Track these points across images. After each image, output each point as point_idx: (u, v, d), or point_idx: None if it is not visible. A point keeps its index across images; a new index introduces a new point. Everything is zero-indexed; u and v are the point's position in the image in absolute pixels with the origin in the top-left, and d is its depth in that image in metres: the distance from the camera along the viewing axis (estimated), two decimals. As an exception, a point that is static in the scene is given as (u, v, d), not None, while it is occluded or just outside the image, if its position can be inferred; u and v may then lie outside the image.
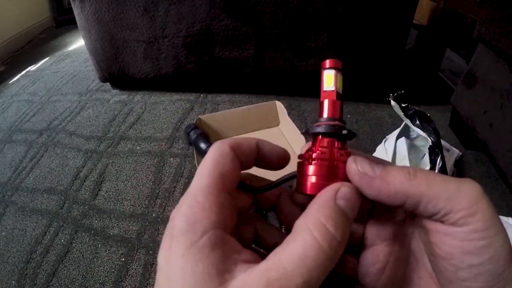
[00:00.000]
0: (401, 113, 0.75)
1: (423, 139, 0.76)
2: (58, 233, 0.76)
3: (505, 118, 0.70)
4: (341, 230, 0.15)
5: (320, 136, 0.19)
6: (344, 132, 0.19)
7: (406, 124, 0.77)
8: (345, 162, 0.18)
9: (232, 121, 0.84)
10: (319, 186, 0.18)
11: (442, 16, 1.49)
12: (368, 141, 0.94)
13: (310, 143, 0.20)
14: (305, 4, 0.92)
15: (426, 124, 0.73)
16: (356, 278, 0.22)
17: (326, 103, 0.20)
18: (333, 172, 0.18)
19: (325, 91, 0.20)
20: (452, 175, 0.78)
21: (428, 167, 0.69)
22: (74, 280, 0.66)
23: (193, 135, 0.31)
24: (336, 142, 0.19)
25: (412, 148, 0.76)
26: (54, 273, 0.67)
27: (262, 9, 0.95)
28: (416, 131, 0.73)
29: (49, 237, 0.75)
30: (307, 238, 0.14)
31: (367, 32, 0.95)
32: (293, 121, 0.76)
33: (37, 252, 0.72)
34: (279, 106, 0.83)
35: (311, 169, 0.18)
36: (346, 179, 0.18)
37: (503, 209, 0.72)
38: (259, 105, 0.84)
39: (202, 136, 0.31)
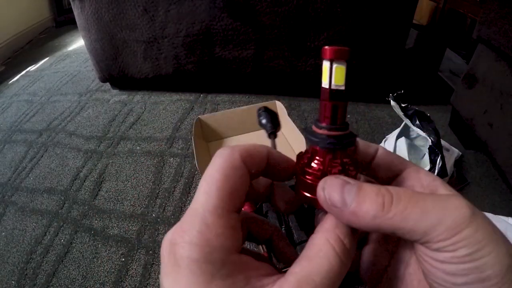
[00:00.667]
0: (401, 113, 0.75)
1: (423, 139, 0.76)
2: (58, 233, 0.76)
3: (505, 118, 0.70)
4: (353, 244, 0.16)
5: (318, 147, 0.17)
6: (341, 140, 0.17)
7: (406, 124, 0.77)
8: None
9: (232, 121, 0.84)
10: (311, 199, 0.17)
11: (442, 16, 1.49)
12: (367, 141, 0.94)
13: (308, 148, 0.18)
14: (305, 4, 0.92)
15: (426, 124, 0.73)
16: (354, 272, 0.22)
17: (321, 105, 0.17)
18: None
19: (322, 87, 0.16)
20: (452, 174, 0.78)
21: (428, 167, 0.69)
22: (74, 280, 0.66)
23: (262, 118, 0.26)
24: (332, 156, 0.17)
25: (412, 148, 0.76)
26: (54, 273, 0.67)
27: (262, 9, 0.95)
28: (416, 131, 0.73)
29: (49, 237, 0.75)
30: (330, 253, 0.15)
31: (367, 32, 0.95)
32: (293, 121, 0.76)
33: (37, 252, 0.72)
34: (279, 106, 0.83)
35: (303, 182, 0.17)
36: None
37: (503, 209, 0.72)
38: (259, 104, 0.84)
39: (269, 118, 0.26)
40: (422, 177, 0.18)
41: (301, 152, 0.18)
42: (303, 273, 0.14)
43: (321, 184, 0.16)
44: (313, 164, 0.17)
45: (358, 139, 0.19)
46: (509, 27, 0.67)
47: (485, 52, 0.78)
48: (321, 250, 0.15)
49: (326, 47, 0.16)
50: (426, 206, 0.14)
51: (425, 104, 1.08)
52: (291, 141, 0.79)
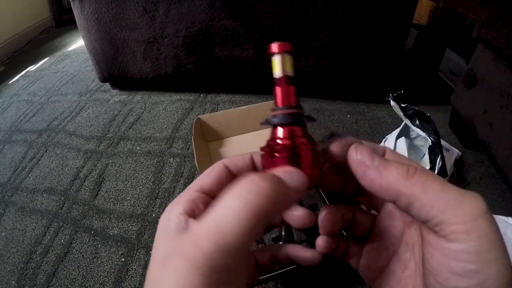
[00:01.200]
0: (400, 113, 0.75)
1: (423, 139, 0.76)
2: (58, 233, 0.76)
3: (504, 117, 0.70)
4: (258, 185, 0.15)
5: (278, 126, 0.18)
6: (303, 116, 0.18)
7: (406, 124, 0.77)
8: (308, 149, 0.18)
9: (232, 121, 0.84)
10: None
11: (441, 16, 1.49)
12: (368, 141, 0.94)
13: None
14: (304, 4, 0.92)
15: (426, 124, 0.73)
16: (355, 269, 0.22)
17: (278, 91, 0.19)
18: (295, 162, 0.17)
19: (274, 78, 0.19)
20: (452, 174, 0.78)
21: (428, 167, 0.69)
22: (74, 280, 0.66)
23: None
24: (295, 130, 0.18)
25: (412, 148, 0.76)
26: (54, 273, 0.67)
27: (262, 9, 0.95)
28: (416, 131, 0.73)
29: (49, 237, 0.75)
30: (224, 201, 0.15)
31: (366, 32, 0.95)
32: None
33: (37, 252, 0.72)
34: None
35: (273, 162, 0.17)
36: (310, 166, 0.17)
37: (503, 209, 0.72)
38: (259, 105, 0.84)
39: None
40: None
41: (263, 146, 0.19)
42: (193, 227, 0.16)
43: (353, 146, 0.17)
44: (278, 141, 0.18)
45: (366, 141, 0.20)
46: (509, 27, 0.67)
47: (485, 52, 0.78)
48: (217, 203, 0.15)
49: (274, 43, 0.18)
50: (446, 185, 0.14)
51: (425, 104, 1.08)
52: None
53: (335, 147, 0.19)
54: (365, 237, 0.22)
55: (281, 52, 0.19)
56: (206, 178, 0.19)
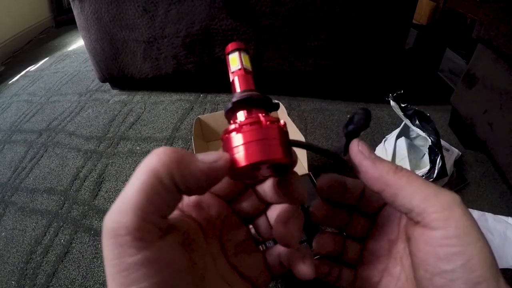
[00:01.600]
0: (400, 113, 0.75)
1: (423, 139, 0.76)
2: (58, 233, 0.76)
3: (504, 117, 0.70)
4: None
5: (243, 108, 0.18)
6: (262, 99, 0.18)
7: (405, 124, 0.77)
8: (278, 126, 0.17)
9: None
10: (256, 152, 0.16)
11: (441, 16, 1.49)
12: (367, 141, 0.94)
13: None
14: (304, 4, 0.92)
15: (425, 124, 0.73)
16: None
17: (236, 79, 0.19)
18: (266, 134, 0.16)
19: (233, 72, 0.20)
20: (452, 174, 0.78)
21: (428, 167, 0.69)
22: (74, 280, 0.66)
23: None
24: (252, 111, 0.18)
25: (411, 148, 0.76)
26: (54, 273, 0.67)
27: (262, 9, 0.95)
28: (416, 131, 0.73)
29: (49, 238, 0.75)
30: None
31: (366, 32, 0.95)
32: (293, 121, 0.76)
33: (37, 252, 0.72)
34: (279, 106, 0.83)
35: (242, 137, 0.16)
36: (280, 141, 0.16)
37: (502, 209, 0.72)
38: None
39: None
40: None
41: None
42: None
43: (355, 140, 0.19)
44: (247, 118, 0.17)
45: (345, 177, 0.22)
46: (509, 26, 0.67)
47: (485, 52, 0.78)
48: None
49: (231, 42, 0.20)
50: (427, 182, 0.17)
51: (425, 104, 1.08)
52: None
53: (323, 181, 0.23)
54: (358, 260, 0.24)
55: (239, 48, 0.20)
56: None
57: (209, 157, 0.16)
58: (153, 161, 0.15)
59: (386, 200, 0.18)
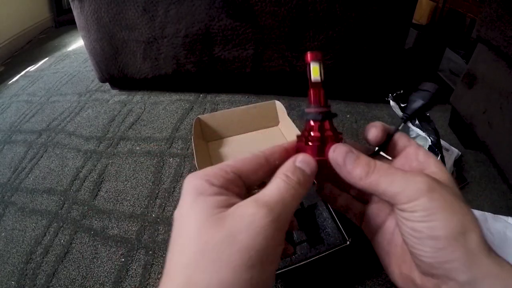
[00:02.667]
0: (400, 113, 0.75)
1: (423, 139, 0.76)
2: (57, 233, 0.76)
3: (504, 117, 0.70)
4: (297, 177, 0.22)
5: (311, 121, 0.23)
6: (328, 113, 0.23)
7: (405, 124, 0.77)
8: (333, 140, 0.23)
9: (232, 121, 0.84)
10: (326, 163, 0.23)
11: (441, 16, 1.49)
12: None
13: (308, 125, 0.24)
14: (304, 4, 0.92)
15: (425, 124, 0.73)
16: (359, 225, 0.28)
17: (311, 92, 0.24)
18: (322, 149, 0.23)
19: (314, 82, 0.24)
20: (452, 174, 0.78)
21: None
22: (74, 280, 0.66)
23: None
24: (324, 124, 0.23)
25: (411, 147, 0.76)
26: (53, 273, 0.67)
27: (262, 9, 0.95)
28: (416, 131, 0.73)
29: (48, 238, 0.75)
30: (277, 181, 0.22)
31: (366, 32, 0.95)
32: (293, 121, 0.76)
33: (37, 252, 0.72)
34: (279, 105, 0.83)
35: (306, 149, 0.23)
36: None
37: (502, 209, 0.72)
38: (258, 104, 0.84)
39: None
40: (420, 154, 0.24)
41: (298, 135, 0.25)
42: (260, 195, 0.21)
43: (332, 148, 0.23)
44: (312, 133, 0.23)
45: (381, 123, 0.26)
46: (509, 27, 0.67)
47: (484, 52, 0.78)
48: (272, 182, 0.22)
49: (312, 52, 0.24)
50: (394, 179, 0.20)
51: (424, 104, 1.08)
52: (291, 141, 0.79)
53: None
54: (366, 201, 0.28)
55: (319, 60, 0.24)
56: (247, 164, 0.23)
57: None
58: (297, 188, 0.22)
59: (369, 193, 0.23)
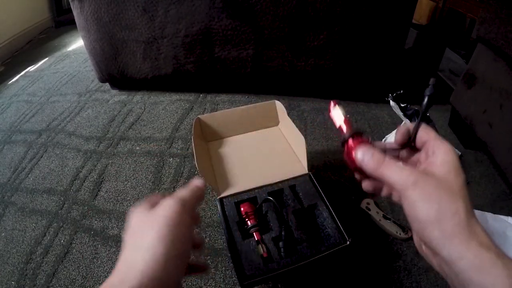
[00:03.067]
0: (400, 113, 0.75)
1: (423, 139, 0.76)
2: (57, 233, 0.76)
3: (504, 117, 0.70)
4: (191, 189, 0.35)
5: (350, 140, 0.33)
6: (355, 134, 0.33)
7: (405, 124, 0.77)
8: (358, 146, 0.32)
9: (232, 121, 0.83)
10: (354, 163, 0.31)
11: (441, 16, 1.49)
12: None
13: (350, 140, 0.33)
14: (304, 4, 0.92)
15: (425, 124, 0.73)
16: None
17: (343, 126, 0.35)
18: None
19: (341, 119, 0.36)
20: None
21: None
22: (74, 280, 0.66)
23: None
24: (358, 140, 0.32)
25: (411, 147, 0.76)
26: (54, 273, 0.67)
27: (261, 9, 0.95)
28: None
29: (48, 238, 0.75)
30: (183, 190, 0.35)
31: (366, 31, 0.95)
32: (293, 121, 0.76)
33: (37, 252, 0.72)
34: (279, 105, 0.83)
35: (349, 153, 0.32)
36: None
37: (502, 208, 0.72)
38: (258, 104, 0.84)
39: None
40: (430, 149, 0.29)
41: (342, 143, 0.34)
42: (174, 195, 0.34)
43: (356, 150, 0.31)
44: (351, 144, 0.33)
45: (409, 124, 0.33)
46: (509, 26, 0.67)
47: (484, 52, 0.78)
48: (180, 190, 0.35)
49: (333, 101, 0.38)
50: (392, 172, 0.27)
51: (424, 103, 1.08)
52: (290, 141, 0.79)
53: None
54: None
55: (337, 104, 0.37)
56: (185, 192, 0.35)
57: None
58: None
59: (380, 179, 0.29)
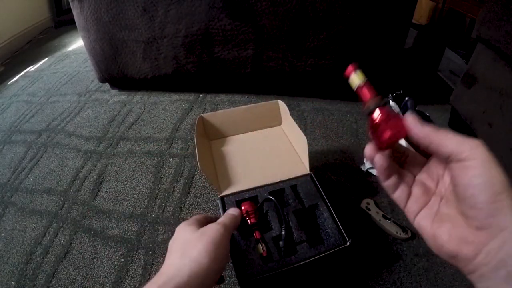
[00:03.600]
0: (400, 114, 0.75)
1: (423, 139, 0.76)
2: (57, 233, 0.76)
3: (504, 117, 0.70)
4: (229, 217, 0.47)
5: (376, 109, 0.29)
6: (384, 100, 0.30)
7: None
8: (394, 116, 0.28)
9: (234, 120, 0.83)
10: (385, 140, 0.28)
11: (441, 16, 1.49)
12: (367, 141, 0.94)
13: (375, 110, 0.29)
14: (304, 4, 0.92)
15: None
16: (402, 208, 0.31)
17: (363, 91, 0.31)
18: (387, 124, 0.28)
19: (358, 86, 0.32)
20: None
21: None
22: (73, 280, 0.65)
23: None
24: (383, 108, 0.29)
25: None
26: (53, 274, 0.67)
27: (261, 9, 0.95)
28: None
29: (48, 238, 0.75)
30: (224, 218, 0.47)
31: (366, 32, 0.95)
32: (295, 121, 0.76)
33: (37, 253, 0.72)
34: (282, 105, 0.83)
35: (376, 124, 0.29)
36: (394, 126, 0.28)
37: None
38: (261, 104, 0.84)
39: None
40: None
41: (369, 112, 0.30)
42: (218, 221, 0.44)
43: (409, 118, 0.28)
44: (379, 114, 0.29)
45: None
46: (508, 26, 0.67)
47: (484, 52, 0.78)
48: (223, 218, 0.46)
49: (349, 66, 0.33)
50: (456, 135, 0.25)
51: (424, 103, 1.08)
52: (293, 141, 0.79)
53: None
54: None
55: (355, 69, 0.32)
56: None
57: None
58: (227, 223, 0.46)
59: (432, 152, 0.27)
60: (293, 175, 0.68)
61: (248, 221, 0.58)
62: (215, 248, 0.37)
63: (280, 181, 0.67)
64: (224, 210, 0.61)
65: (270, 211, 0.61)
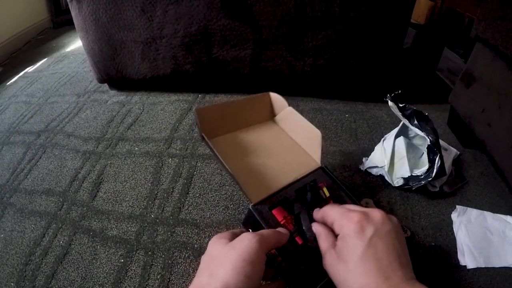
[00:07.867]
0: (399, 113, 0.75)
1: (422, 138, 0.76)
2: (56, 234, 0.76)
3: (503, 116, 0.70)
4: (276, 233, 0.42)
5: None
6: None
7: (404, 124, 0.77)
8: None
9: (229, 115, 0.76)
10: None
11: (439, 15, 1.49)
12: (366, 141, 0.94)
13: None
14: (302, 4, 0.92)
15: (424, 123, 0.73)
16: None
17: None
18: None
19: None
20: (451, 173, 0.79)
21: (426, 166, 0.69)
22: (73, 281, 0.65)
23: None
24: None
25: (410, 147, 0.76)
26: (53, 275, 0.67)
27: (260, 9, 0.95)
28: (414, 130, 0.73)
29: (47, 239, 0.75)
30: (269, 230, 0.43)
31: (364, 31, 0.95)
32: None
33: (36, 254, 0.72)
34: (275, 97, 0.78)
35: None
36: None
37: (501, 208, 0.72)
38: (252, 96, 0.78)
39: None
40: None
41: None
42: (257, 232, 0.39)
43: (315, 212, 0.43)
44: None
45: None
46: (507, 26, 0.67)
47: (482, 51, 0.78)
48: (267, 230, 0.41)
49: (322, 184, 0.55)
50: (339, 215, 0.39)
51: (423, 103, 1.08)
52: (293, 135, 0.74)
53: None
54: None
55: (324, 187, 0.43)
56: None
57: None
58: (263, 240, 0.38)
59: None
60: (308, 170, 0.63)
61: (287, 227, 0.51)
62: (244, 265, 0.32)
63: (300, 178, 0.61)
64: (265, 222, 0.52)
65: (302, 214, 0.53)
